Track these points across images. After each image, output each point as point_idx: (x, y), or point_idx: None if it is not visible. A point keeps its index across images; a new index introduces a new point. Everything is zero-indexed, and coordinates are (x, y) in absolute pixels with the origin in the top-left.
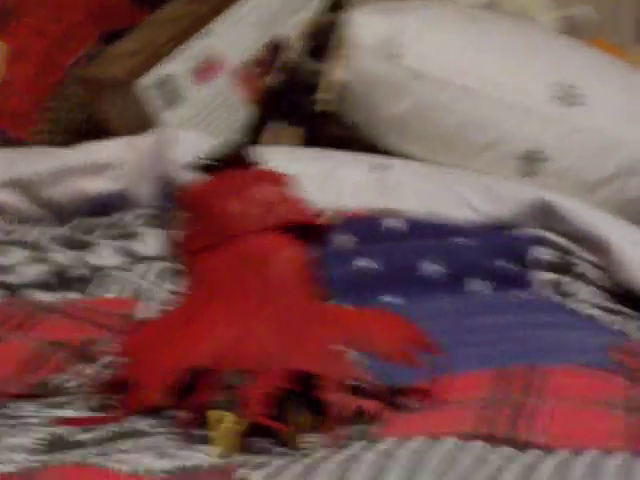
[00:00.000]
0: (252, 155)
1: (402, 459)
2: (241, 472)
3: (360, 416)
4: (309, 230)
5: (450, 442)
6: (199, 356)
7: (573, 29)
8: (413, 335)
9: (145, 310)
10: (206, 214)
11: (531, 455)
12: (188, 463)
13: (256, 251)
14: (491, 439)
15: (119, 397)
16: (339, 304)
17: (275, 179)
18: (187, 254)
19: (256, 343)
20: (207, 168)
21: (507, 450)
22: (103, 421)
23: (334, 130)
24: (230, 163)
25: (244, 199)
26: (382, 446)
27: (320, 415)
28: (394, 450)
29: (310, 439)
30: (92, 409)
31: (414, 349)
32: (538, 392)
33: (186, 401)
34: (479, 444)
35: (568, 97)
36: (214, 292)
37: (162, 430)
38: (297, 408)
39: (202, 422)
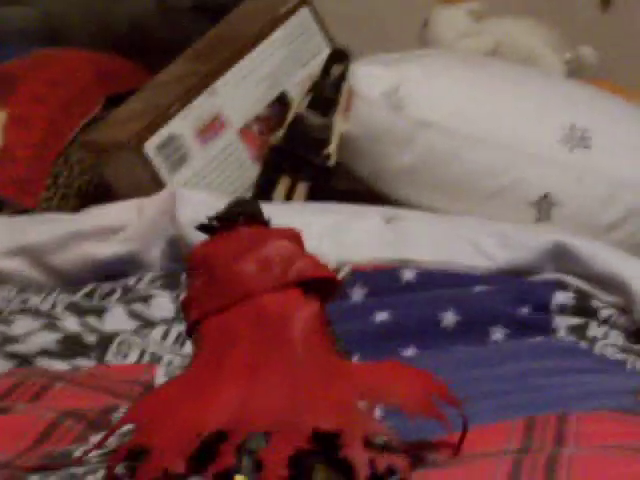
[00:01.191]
0: (261, 212)
1: None
2: None
3: (388, 474)
4: (325, 285)
5: None
6: (215, 420)
7: (577, 70)
8: (433, 387)
9: (163, 375)
10: (217, 274)
11: None
12: None
13: (273, 309)
14: None
15: (135, 465)
16: (357, 359)
17: (287, 235)
18: (198, 315)
19: (275, 403)
20: (215, 227)
21: None
22: None
23: (339, 184)
24: (239, 221)
25: (258, 257)
26: None
27: (345, 474)
28: None
29: None
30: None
31: (435, 402)
32: (569, 440)
33: (205, 467)
34: None
35: (575, 140)
36: (229, 352)
37: None
38: (321, 469)
39: None
